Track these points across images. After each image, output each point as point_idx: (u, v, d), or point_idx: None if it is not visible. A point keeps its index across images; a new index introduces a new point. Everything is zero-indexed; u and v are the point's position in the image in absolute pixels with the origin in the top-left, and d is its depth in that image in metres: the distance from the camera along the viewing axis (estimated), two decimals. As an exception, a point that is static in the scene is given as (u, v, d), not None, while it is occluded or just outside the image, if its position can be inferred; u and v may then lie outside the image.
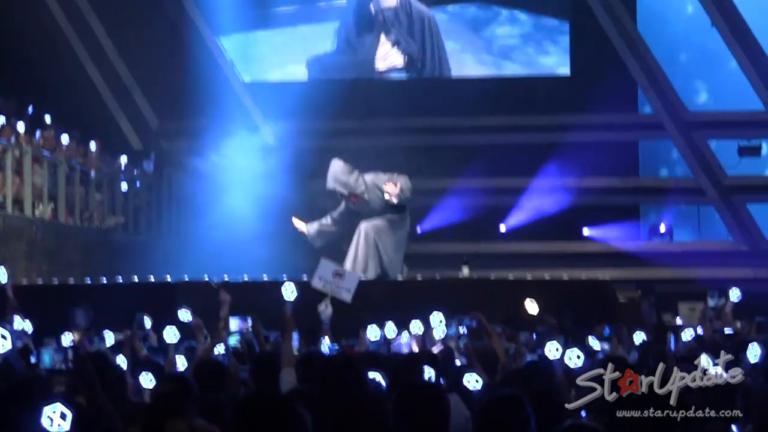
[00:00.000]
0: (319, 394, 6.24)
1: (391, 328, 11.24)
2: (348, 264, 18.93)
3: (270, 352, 8.84)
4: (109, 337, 11.14)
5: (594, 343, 10.79)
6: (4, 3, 25.37)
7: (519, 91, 27.43)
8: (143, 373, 8.08)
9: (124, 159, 24.45)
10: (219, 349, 9.24)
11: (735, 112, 28.07)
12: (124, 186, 23.82)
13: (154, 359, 9.63)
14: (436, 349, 9.95)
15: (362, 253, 18.88)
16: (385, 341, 11.13)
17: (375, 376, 7.20)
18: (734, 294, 15.04)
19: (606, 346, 10.93)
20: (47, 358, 9.41)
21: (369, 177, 19.20)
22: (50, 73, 25.52)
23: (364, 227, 19.02)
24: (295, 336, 10.52)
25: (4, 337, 7.69)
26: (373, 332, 10.76)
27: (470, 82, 27.72)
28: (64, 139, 22.28)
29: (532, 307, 10.94)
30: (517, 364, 9.36)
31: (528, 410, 5.24)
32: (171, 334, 9.55)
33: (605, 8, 27.77)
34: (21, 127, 20.78)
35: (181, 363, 8.97)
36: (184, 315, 10.08)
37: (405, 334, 11.04)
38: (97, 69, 27.91)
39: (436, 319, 10.54)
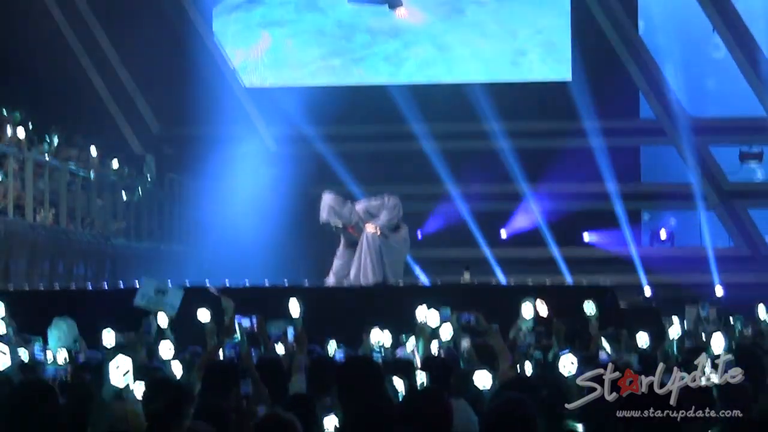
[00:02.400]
0: (339, 396, 6.27)
1: (387, 336, 11.22)
2: (353, 269, 18.91)
3: (276, 357, 8.81)
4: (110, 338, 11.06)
5: (606, 344, 10.75)
6: (8, 11, 25.40)
7: (520, 96, 27.43)
8: (136, 382, 8.02)
9: (122, 164, 24.44)
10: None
11: (736, 118, 28.09)
12: (124, 192, 23.81)
13: (153, 365, 9.52)
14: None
15: (366, 258, 18.84)
16: (390, 347, 11.11)
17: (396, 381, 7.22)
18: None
19: (603, 355, 10.87)
20: (50, 368, 9.35)
21: (360, 206, 19.21)
22: (53, 79, 25.54)
23: (370, 233, 18.98)
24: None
25: (3, 353, 7.67)
26: (376, 336, 10.75)
27: (472, 87, 27.72)
28: (72, 144, 22.34)
29: (542, 309, 10.90)
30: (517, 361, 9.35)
31: (534, 415, 5.26)
32: (165, 349, 9.36)
33: (606, 13, 27.79)
34: (23, 133, 20.79)
35: (178, 369, 8.85)
36: (203, 315, 9.97)
37: (411, 339, 11.03)
38: (100, 75, 27.95)
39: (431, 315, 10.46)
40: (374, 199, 19.32)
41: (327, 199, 19.08)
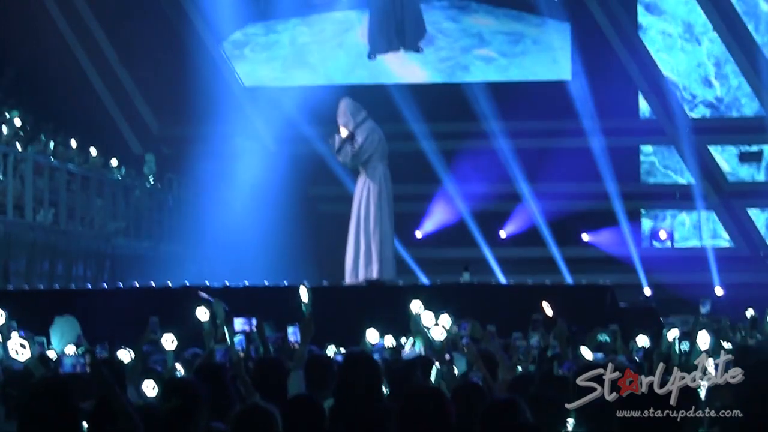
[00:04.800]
0: (335, 392, 6.28)
1: (389, 339, 11.20)
2: (348, 269, 18.77)
3: (274, 357, 8.81)
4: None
5: (586, 353, 10.71)
6: (7, 11, 25.38)
7: (520, 95, 27.41)
8: (145, 380, 8.02)
9: (121, 164, 24.45)
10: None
11: (736, 118, 28.09)
12: (124, 192, 23.82)
13: (154, 365, 9.53)
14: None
15: (352, 256, 18.70)
16: (394, 349, 11.09)
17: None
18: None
19: (599, 355, 10.83)
20: (68, 362, 9.42)
21: (368, 125, 18.78)
22: (52, 79, 25.54)
23: (353, 230, 18.81)
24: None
25: (23, 346, 7.70)
26: (373, 336, 10.74)
27: (470, 86, 27.71)
28: (71, 144, 22.33)
29: (548, 309, 10.91)
30: (513, 361, 9.35)
31: (525, 414, 5.26)
32: (168, 341, 9.39)
33: (606, 12, 27.79)
34: (22, 133, 20.81)
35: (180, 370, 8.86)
36: (202, 314, 9.96)
37: (410, 340, 11.01)
38: (99, 75, 27.94)
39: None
40: (375, 132, 18.84)
41: (343, 104, 18.85)
